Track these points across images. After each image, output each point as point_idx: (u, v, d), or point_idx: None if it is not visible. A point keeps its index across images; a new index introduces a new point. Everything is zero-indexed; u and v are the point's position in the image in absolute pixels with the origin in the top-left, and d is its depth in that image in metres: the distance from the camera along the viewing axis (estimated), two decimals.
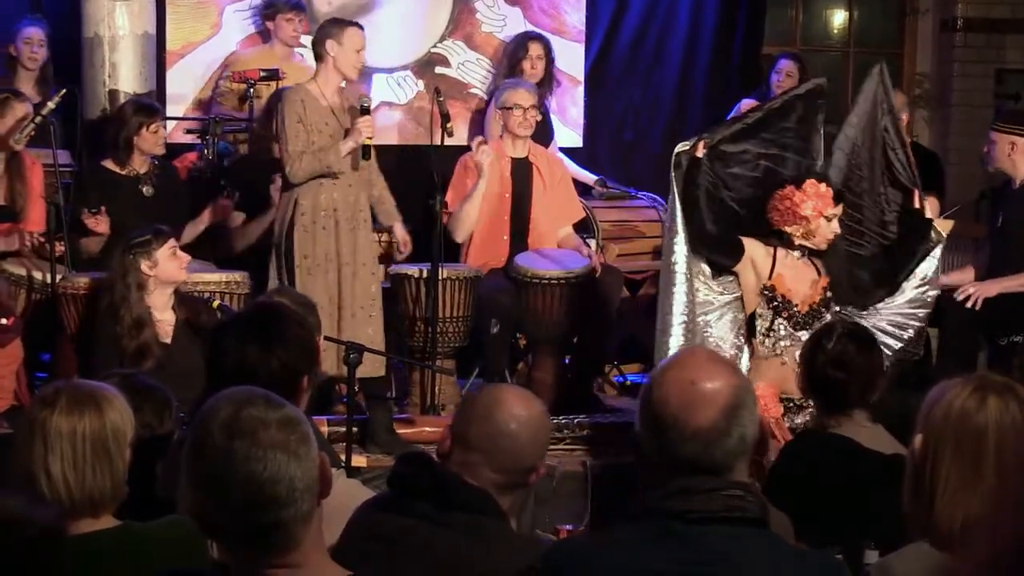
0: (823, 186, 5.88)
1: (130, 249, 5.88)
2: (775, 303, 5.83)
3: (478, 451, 2.81)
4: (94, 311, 6.12)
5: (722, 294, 5.95)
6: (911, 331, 6.17)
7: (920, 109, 9.69)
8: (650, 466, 2.49)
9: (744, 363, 5.88)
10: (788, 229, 5.87)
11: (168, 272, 5.90)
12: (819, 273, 5.91)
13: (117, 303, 5.84)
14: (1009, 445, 2.48)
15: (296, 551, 2.20)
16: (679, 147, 6.00)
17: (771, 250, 5.91)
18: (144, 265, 5.85)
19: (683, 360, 2.55)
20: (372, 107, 6.65)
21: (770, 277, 5.87)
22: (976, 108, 9.70)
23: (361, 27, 6.48)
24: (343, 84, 6.46)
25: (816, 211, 5.82)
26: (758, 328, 5.88)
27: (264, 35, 8.00)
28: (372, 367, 6.15)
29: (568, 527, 4.59)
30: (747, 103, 8.64)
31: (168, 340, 5.90)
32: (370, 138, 6.33)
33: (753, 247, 5.92)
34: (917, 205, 6.16)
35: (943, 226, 7.41)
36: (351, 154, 6.30)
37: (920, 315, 6.21)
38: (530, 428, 2.84)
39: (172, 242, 5.96)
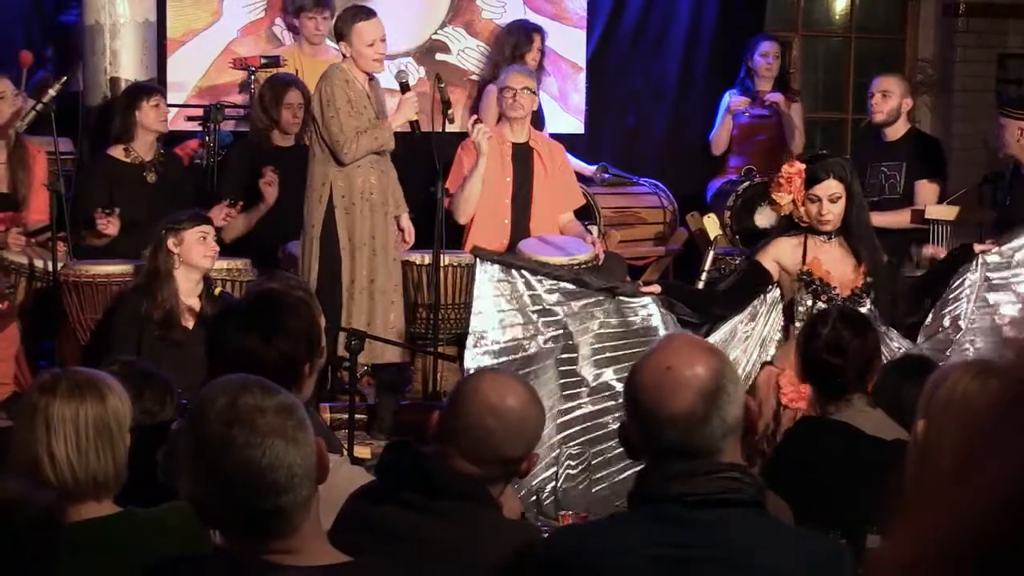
0: (795, 167, 5.71)
1: (165, 225, 5.93)
2: (813, 286, 5.66)
3: (451, 442, 2.77)
4: (105, 296, 6.11)
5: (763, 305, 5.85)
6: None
7: (922, 95, 9.66)
8: (635, 451, 2.52)
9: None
10: (796, 219, 5.77)
11: (192, 254, 5.90)
12: (859, 261, 5.71)
13: (150, 273, 5.87)
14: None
15: (295, 536, 2.20)
16: (646, 305, 5.67)
17: (801, 239, 5.73)
18: (171, 242, 5.88)
19: (662, 346, 2.59)
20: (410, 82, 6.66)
21: (804, 262, 5.72)
22: (978, 93, 9.67)
23: (373, 15, 6.38)
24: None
25: (793, 198, 5.71)
26: (796, 314, 5.71)
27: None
28: (392, 354, 6.19)
29: (570, 513, 4.60)
30: (736, 100, 8.61)
31: (190, 326, 5.91)
32: (417, 113, 6.38)
33: (776, 251, 5.73)
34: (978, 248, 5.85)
35: (946, 212, 7.40)
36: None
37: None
38: (504, 419, 2.73)
39: (206, 227, 5.97)
